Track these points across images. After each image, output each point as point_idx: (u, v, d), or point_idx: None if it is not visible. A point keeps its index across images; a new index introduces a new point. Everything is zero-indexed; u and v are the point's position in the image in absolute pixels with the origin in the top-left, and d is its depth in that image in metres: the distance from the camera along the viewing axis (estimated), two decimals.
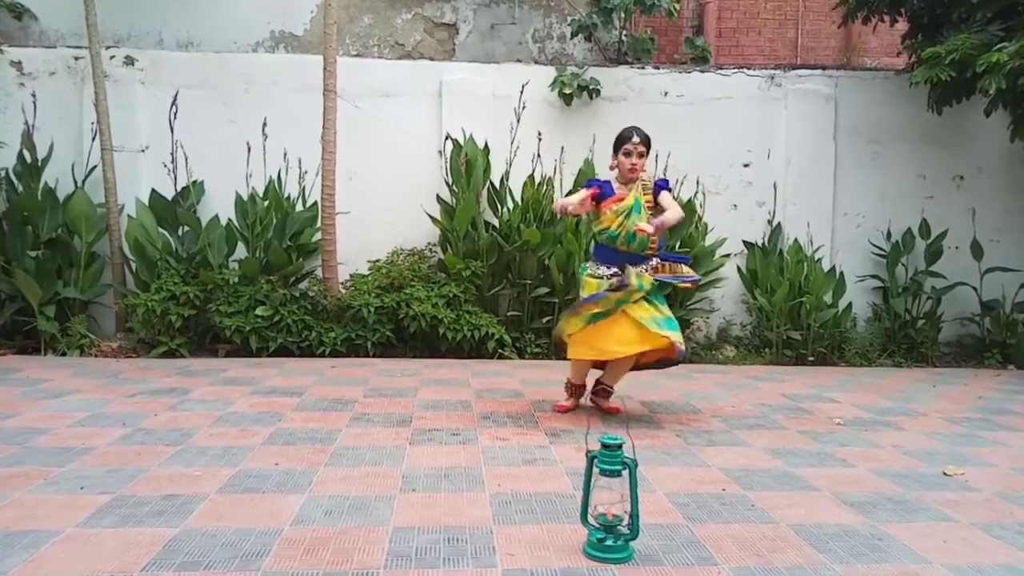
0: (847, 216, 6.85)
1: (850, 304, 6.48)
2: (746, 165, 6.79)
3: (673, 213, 3.76)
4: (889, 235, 6.76)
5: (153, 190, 5.97)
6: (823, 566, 2.29)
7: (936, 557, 2.37)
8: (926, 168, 6.83)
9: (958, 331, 6.89)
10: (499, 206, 6.30)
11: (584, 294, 3.89)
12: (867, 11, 6.81)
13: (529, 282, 6.03)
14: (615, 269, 3.84)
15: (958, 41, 5.61)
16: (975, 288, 6.72)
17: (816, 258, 6.49)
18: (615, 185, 3.95)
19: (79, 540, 2.36)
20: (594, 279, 3.87)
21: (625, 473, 2.30)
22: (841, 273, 6.49)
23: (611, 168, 3.99)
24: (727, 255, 6.52)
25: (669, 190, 3.97)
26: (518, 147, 6.25)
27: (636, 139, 3.86)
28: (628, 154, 3.86)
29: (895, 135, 6.87)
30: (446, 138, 6.34)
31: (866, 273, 6.78)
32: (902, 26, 6.88)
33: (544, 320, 6.08)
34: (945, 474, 3.25)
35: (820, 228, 6.70)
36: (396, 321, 5.78)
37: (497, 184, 6.31)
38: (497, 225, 6.23)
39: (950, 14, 6.09)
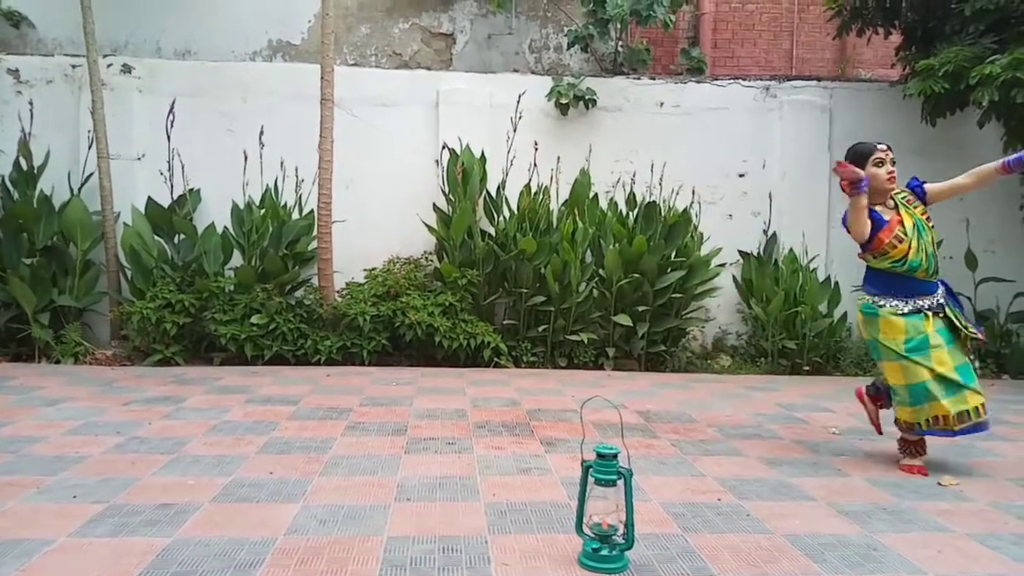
0: (842, 226, 6.86)
1: (845, 314, 6.49)
2: (741, 175, 6.83)
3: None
4: None
5: (149, 198, 5.97)
6: None
7: (930, 567, 2.38)
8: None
9: None
10: (495, 215, 6.31)
11: (886, 338, 3.38)
12: (861, 23, 6.86)
13: (525, 291, 6.03)
14: (918, 302, 3.39)
15: (951, 53, 5.66)
16: (969, 298, 6.74)
17: (811, 268, 6.51)
18: (881, 210, 3.46)
19: (71, 550, 2.35)
20: (897, 316, 3.39)
21: (620, 483, 2.30)
22: (836, 283, 6.51)
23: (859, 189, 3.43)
24: (723, 265, 6.54)
25: (924, 184, 3.56)
26: (514, 156, 6.27)
27: (884, 146, 3.46)
28: (880, 163, 3.42)
29: (890, 146, 6.89)
30: (443, 147, 6.36)
31: (861, 283, 6.78)
32: (896, 38, 6.92)
33: (540, 329, 6.08)
34: (940, 484, 3.25)
35: (815, 238, 6.72)
36: (392, 329, 5.78)
37: (493, 193, 6.33)
38: (493, 234, 6.24)
39: (943, 27, 6.14)
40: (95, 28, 5.91)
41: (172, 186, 6.00)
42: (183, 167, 6.00)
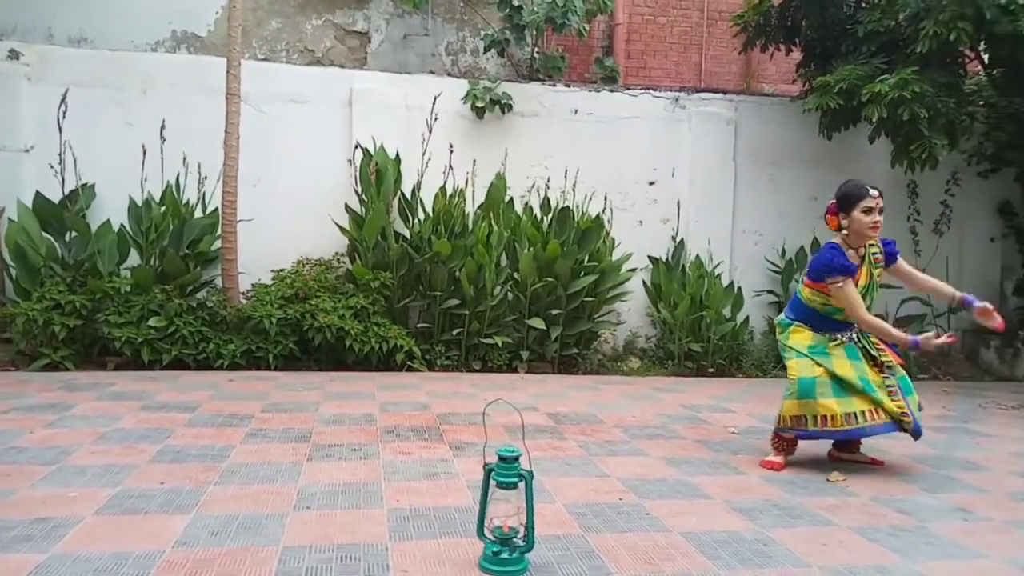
0: (745, 234, 7.16)
1: (747, 318, 6.76)
2: (652, 183, 7.00)
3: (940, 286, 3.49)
4: (784, 252, 7.11)
5: (38, 192, 5.59)
6: (711, 572, 2.36)
7: (815, 560, 2.49)
8: (818, 190, 7.20)
9: None
10: (410, 217, 6.24)
11: (794, 342, 3.57)
12: (765, 40, 7.18)
13: (439, 294, 5.99)
14: (831, 335, 3.54)
15: (845, 71, 5.98)
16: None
17: (716, 274, 6.74)
18: (846, 251, 3.47)
19: None
20: (807, 330, 3.57)
21: (522, 485, 2.31)
22: (739, 288, 6.76)
23: (839, 229, 3.49)
24: (633, 270, 6.67)
25: (898, 255, 3.58)
26: (430, 158, 6.22)
27: (876, 192, 3.39)
28: (869, 211, 3.38)
29: (790, 158, 7.24)
30: (356, 147, 6.24)
31: (762, 288, 7.10)
32: (797, 55, 7.27)
33: (454, 332, 6.06)
34: (828, 480, 3.42)
35: (720, 245, 6.97)
36: (300, 333, 5.61)
37: (408, 195, 6.26)
38: (408, 236, 6.17)
39: (839, 46, 6.49)
40: None
41: (63, 180, 5.65)
42: (75, 161, 5.66)
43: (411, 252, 6.02)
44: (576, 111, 6.86)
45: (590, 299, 6.29)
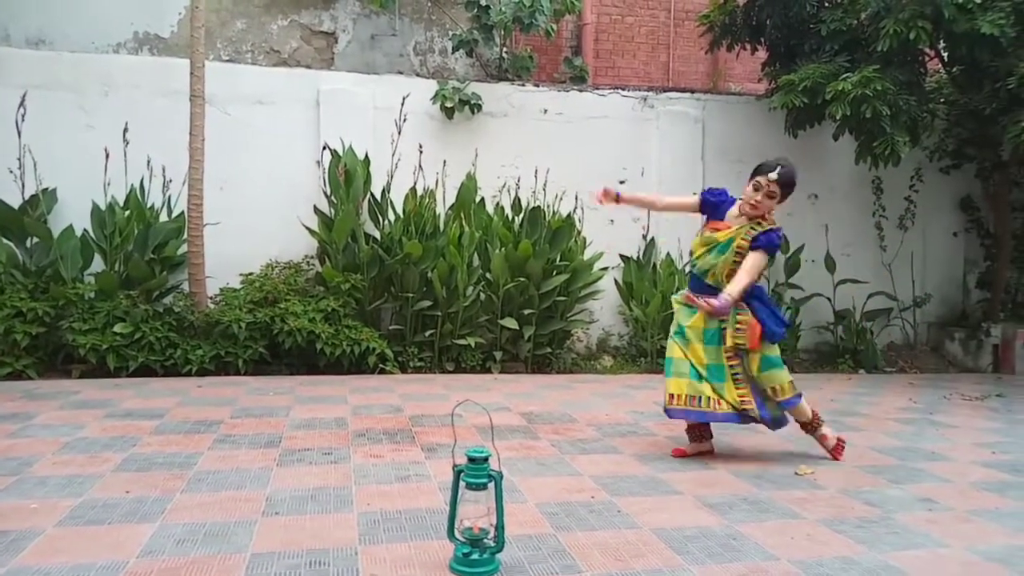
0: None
1: None
2: (622, 182, 7.03)
3: (733, 286, 3.34)
4: None
5: None
6: (680, 568, 2.37)
7: (783, 553, 2.51)
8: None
9: (815, 339, 7.40)
10: (380, 218, 6.20)
11: (674, 321, 3.66)
12: (731, 39, 7.26)
13: (411, 295, 5.96)
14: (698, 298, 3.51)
15: (809, 70, 6.07)
16: (829, 299, 7.25)
17: (686, 271, 6.78)
18: (734, 210, 3.51)
19: None
20: (680, 304, 3.64)
21: (491, 486, 2.30)
22: None
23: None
24: (605, 268, 6.70)
25: (765, 249, 3.40)
26: (399, 159, 6.19)
27: (771, 176, 3.30)
28: (757, 188, 3.35)
29: (757, 155, 7.17)
30: (324, 148, 6.19)
31: None
32: (762, 54, 7.35)
33: (427, 334, 6.03)
34: (797, 474, 3.46)
35: (690, 242, 6.97)
36: (270, 337, 5.55)
37: (378, 196, 6.22)
38: (378, 237, 6.13)
39: (803, 45, 6.58)
40: None
41: (23, 185, 5.52)
42: (35, 165, 5.54)
43: (382, 254, 5.98)
44: (546, 111, 6.87)
45: (562, 298, 6.31)
